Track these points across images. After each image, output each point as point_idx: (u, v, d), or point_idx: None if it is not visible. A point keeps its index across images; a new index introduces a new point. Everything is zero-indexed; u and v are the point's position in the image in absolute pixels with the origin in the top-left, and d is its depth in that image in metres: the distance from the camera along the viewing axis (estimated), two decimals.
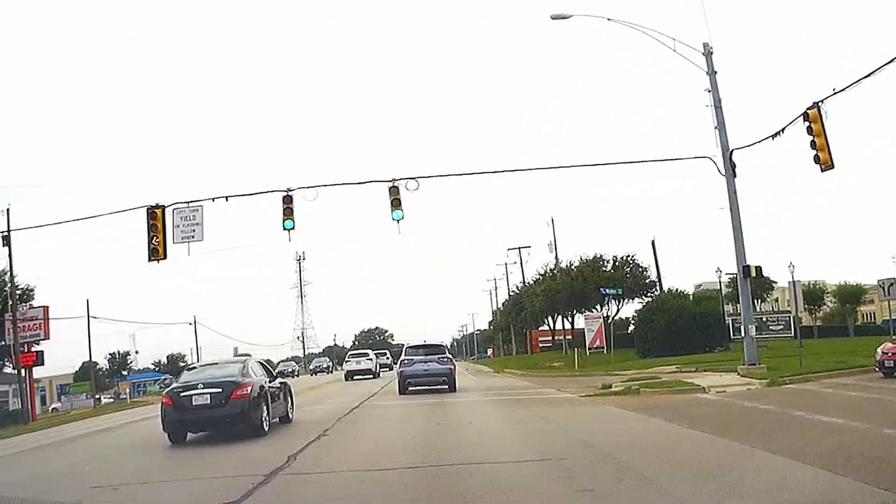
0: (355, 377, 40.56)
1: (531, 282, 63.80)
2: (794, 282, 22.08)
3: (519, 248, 67.54)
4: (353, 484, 9.26)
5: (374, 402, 21.77)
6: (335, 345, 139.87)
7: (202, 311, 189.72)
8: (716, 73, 20.31)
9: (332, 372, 64.29)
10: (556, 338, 67.17)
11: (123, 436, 19.11)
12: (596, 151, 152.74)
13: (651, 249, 47.19)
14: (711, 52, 20.28)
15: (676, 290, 48.52)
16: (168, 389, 15.69)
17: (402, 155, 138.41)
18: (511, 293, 75.42)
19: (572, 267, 53.82)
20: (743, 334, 20.41)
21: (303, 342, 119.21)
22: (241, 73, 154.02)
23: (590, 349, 37.93)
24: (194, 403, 14.12)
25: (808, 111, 16.46)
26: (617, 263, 52.57)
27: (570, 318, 56.87)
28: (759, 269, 20.70)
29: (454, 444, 12.03)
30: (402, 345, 34.73)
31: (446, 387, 23.62)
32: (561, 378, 29.38)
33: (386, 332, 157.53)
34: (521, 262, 67.53)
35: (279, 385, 16.73)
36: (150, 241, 21.57)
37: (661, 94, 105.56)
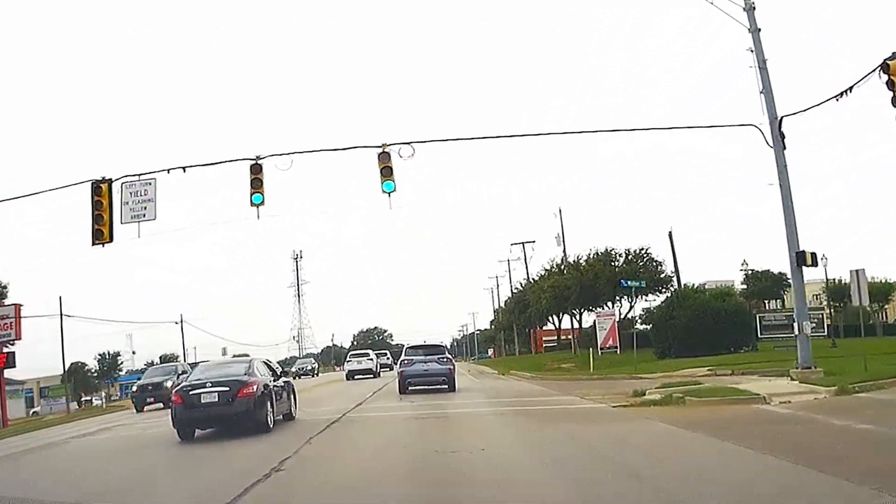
0: (356, 377, 40.62)
1: (536, 278, 60.13)
2: (857, 271, 19.67)
3: (522, 243, 63.77)
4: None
5: (368, 407, 20.11)
6: (333, 345, 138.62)
7: (194, 309, 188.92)
8: (759, 30, 18.54)
9: (316, 374, 61.52)
10: (561, 337, 64.93)
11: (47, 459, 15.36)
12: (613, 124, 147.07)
13: (668, 241, 42.72)
14: (754, 7, 18.49)
15: (693, 285, 45.65)
16: (178, 388, 15.57)
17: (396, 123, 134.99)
18: (514, 290, 72.51)
19: (581, 261, 49.38)
20: (797, 332, 18.22)
21: (299, 342, 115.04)
22: (200, 23, 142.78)
23: (602, 349, 35.28)
24: (203, 401, 14.16)
25: (889, 62, 13.95)
26: (630, 257, 47.47)
27: (577, 317, 53.40)
28: (814, 255, 18.62)
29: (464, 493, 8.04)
30: (402, 345, 35.58)
31: (446, 386, 23.54)
32: (577, 382, 25.85)
33: (385, 332, 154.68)
34: (525, 258, 63.80)
35: (283, 384, 16.66)
36: (94, 222, 18.20)
37: (694, 59, 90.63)
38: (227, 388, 14.09)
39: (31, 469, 13.65)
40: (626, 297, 45.82)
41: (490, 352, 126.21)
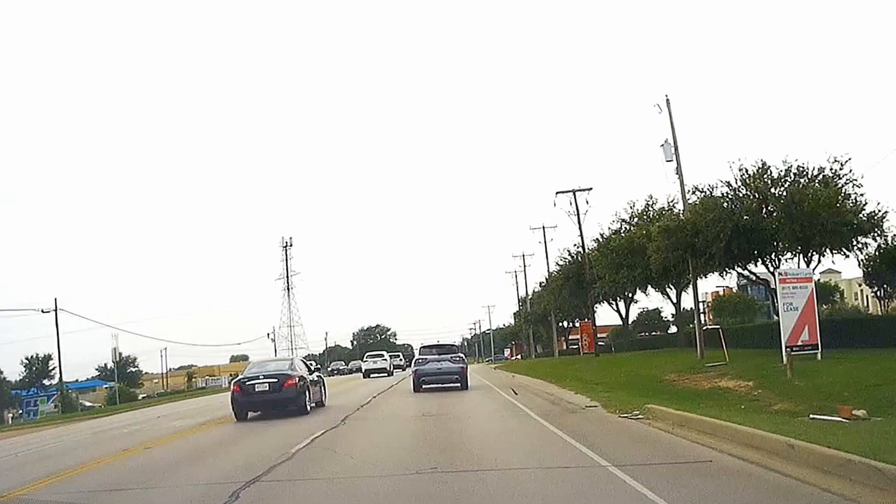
0: (372, 375, 46.43)
1: (606, 234, 41.54)
2: None
3: (573, 190, 44.03)
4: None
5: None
6: (337, 345, 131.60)
7: (153, 309, 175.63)
8: None
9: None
10: (630, 329, 53.68)
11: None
12: None
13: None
14: None
15: None
16: (236, 380, 20.27)
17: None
18: (565, 259, 51.13)
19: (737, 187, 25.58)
20: None
21: (291, 341, 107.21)
22: None
23: (791, 348, 16.87)
24: (257, 390, 18.70)
25: None
26: (822, 176, 24.04)
27: (677, 289, 38.17)
28: None
29: None
30: (408, 345, 40.62)
31: (458, 384, 24.83)
32: None
33: (388, 330, 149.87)
34: (578, 209, 43.75)
35: (316, 378, 21.54)
36: None
37: None
38: (276, 380, 18.55)
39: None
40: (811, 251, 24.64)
41: (506, 352, 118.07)
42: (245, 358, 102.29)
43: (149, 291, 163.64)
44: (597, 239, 43.49)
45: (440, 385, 24.98)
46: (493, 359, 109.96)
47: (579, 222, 44.69)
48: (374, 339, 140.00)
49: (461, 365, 25.26)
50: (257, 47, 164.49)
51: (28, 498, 9.10)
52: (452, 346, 27.59)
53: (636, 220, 39.21)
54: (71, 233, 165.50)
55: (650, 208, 38.66)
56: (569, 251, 50.86)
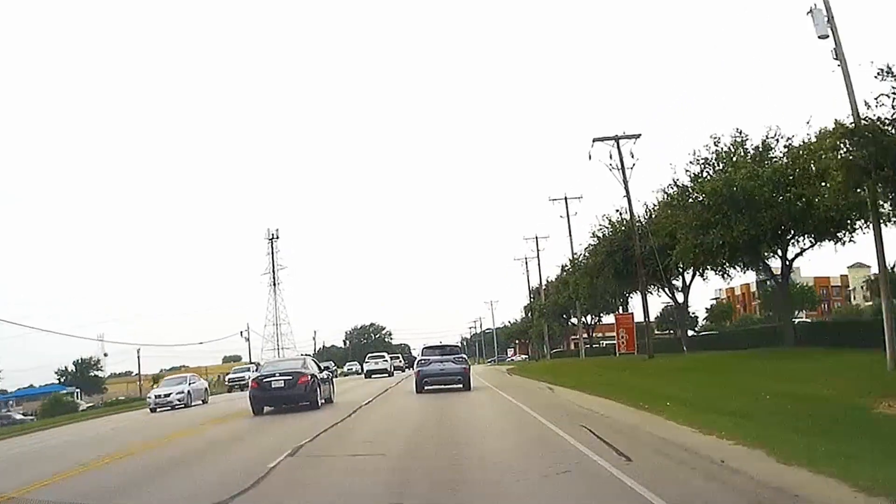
0: (373, 375, 49.04)
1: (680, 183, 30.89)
2: None
3: (616, 137, 34.92)
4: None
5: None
6: (329, 346, 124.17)
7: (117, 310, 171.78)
8: None
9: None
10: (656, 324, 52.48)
11: None
12: None
13: None
14: None
15: None
16: (255, 377, 22.78)
17: None
18: (603, 229, 40.15)
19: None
20: None
21: (277, 340, 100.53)
22: None
23: None
24: (273, 386, 20.79)
25: None
26: None
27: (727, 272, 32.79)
28: None
29: None
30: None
31: (461, 385, 24.96)
32: None
33: (383, 329, 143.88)
34: (622, 160, 34.52)
35: (326, 376, 23.71)
36: None
37: None
38: (290, 377, 20.60)
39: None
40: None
41: (510, 352, 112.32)
42: (238, 358, 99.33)
43: (133, 289, 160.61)
44: (668, 190, 31.80)
45: (443, 386, 25.22)
46: (495, 359, 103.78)
47: (624, 178, 33.68)
48: (368, 339, 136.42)
49: (464, 366, 25.57)
50: (255, 36, 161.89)
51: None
52: (455, 346, 27.90)
53: (722, 163, 28.07)
54: (59, 231, 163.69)
55: (740, 147, 28.12)
56: (610, 220, 39.15)
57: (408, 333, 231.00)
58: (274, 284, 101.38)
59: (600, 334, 66.62)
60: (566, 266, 53.92)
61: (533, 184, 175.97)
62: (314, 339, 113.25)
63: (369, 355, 57.63)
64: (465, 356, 26.91)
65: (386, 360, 52.70)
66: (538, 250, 64.06)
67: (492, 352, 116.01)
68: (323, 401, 21.91)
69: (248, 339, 76.10)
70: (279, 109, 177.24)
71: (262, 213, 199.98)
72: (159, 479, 10.18)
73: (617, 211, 38.99)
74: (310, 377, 20.91)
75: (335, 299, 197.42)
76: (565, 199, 47.94)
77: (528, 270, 70.59)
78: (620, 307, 44.31)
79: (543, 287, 65.03)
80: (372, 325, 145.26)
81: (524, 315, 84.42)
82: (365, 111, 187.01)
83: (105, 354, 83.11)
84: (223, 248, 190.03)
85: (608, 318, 54.68)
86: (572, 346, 70.71)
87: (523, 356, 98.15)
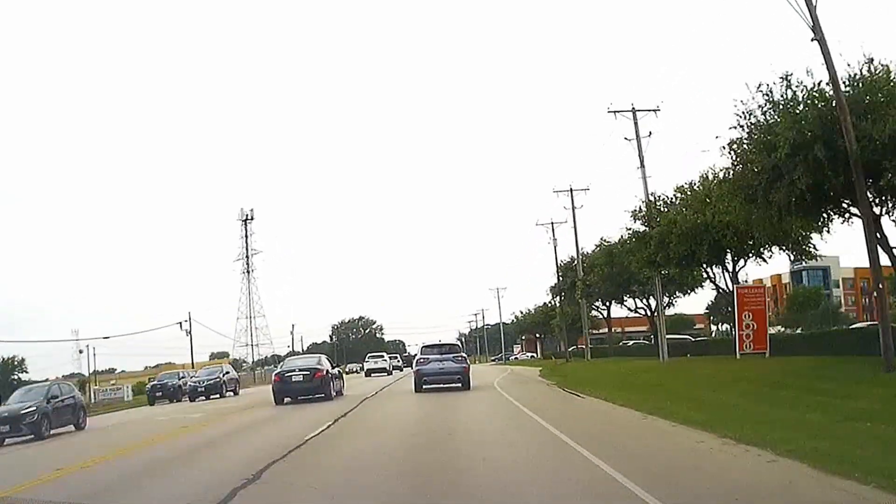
0: (373, 374, 53.46)
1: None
2: None
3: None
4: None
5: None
6: (310, 343, 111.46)
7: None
8: None
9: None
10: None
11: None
12: None
13: None
14: None
15: None
16: (277, 371, 26.99)
17: None
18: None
19: None
20: None
21: (251, 334, 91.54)
22: None
23: None
24: (293, 380, 24.73)
25: None
26: None
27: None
28: None
29: None
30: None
31: (460, 385, 25.09)
32: None
33: (373, 323, 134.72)
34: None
35: (337, 372, 28.32)
36: None
37: None
38: (309, 372, 24.55)
39: None
40: None
41: (516, 349, 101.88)
42: (226, 355, 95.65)
43: (108, 283, 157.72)
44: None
45: (442, 385, 25.44)
46: (502, 357, 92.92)
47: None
48: (356, 334, 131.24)
49: (463, 365, 25.69)
50: (247, 20, 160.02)
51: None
52: (455, 345, 28.04)
53: None
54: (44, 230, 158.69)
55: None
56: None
57: (401, 329, 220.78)
58: (248, 272, 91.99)
59: (618, 329, 60.63)
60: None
61: (536, 165, 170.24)
62: (292, 333, 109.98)
63: (369, 355, 62.78)
64: (464, 355, 27.05)
65: (385, 360, 57.67)
66: (573, 209, 49.28)
67: (497, 348, 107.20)
68: (335, 393, 25.54)
69: (188, 332, 61.52)
70: (262, 84, 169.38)
71: (239, 194, 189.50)
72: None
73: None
74: (325, 372, 24.86)
75: (319, 291, 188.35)
76: (633, 112, 34.78)
77: (554, 240, 55.46)
78: (722, 276, 29.06)
79: (580, 259, 49.72)
80: (361, 318, 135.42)
81: (550, 300, 68.29)
82: (352, 86, 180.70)
83: (80, 352, 78.65)
84: (198, 234, 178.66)
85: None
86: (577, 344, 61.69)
87: (529, 354, 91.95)
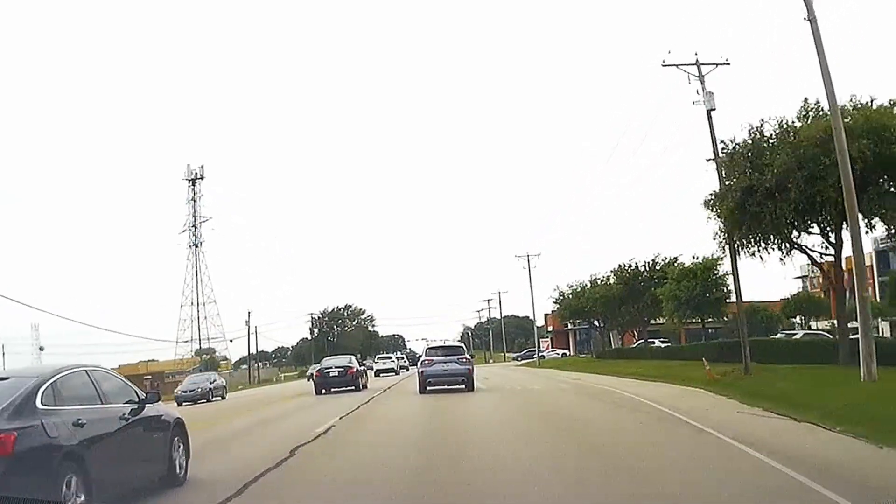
0: (381, 374, 57.61)
1: None
2: None
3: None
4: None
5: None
6: (278, 348, 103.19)
7: None
8: None
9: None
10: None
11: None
12: None
13: None
14: None
15: None
16: (318, 367, 34.22)
17: None
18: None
19: None
20: None
21: (198, 326, 78.57)
22: None
23: None
24: (330, 375, 32.57)
25: None
26: None
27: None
28: None
29: None
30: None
31: (464, 386, 25.77)
32: None
33: (362, 313, 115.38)
34: None
35: (363, 369, 35.54)
36: None
37: None
38: (343, 369, 32.40)
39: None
40: None
41: (545, 345, 74.58)
42: (215, 351, 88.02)
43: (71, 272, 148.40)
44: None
45: (446, 387, 25.79)
46: (531, 355, 70.26)
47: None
48: (342, 326, 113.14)
49: (468, 366, 26.48)
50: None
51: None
52: (459, 346, 29.37)
53: None
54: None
55: None
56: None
57: (397, 322, 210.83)
58: (196, 245, 73.95)
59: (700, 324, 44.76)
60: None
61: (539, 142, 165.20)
62: (247, 323, 78.50)
63: (378, 356, 70.71)
64: (468, 357, 27.62)
65: (393, 361, 64.31)
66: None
67: (512, 343, 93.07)
68: (362, 386, 32.75)
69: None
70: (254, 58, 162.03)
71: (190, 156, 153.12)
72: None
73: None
74: (355, 369, 32.35)
75: (293, 275, 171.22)
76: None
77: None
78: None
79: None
80: (348, 307, 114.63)
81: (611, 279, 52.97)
82: (343, 64, 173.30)
83: (41, 349, 72.96)
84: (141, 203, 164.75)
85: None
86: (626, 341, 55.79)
87: (561, 351, 73.89)
